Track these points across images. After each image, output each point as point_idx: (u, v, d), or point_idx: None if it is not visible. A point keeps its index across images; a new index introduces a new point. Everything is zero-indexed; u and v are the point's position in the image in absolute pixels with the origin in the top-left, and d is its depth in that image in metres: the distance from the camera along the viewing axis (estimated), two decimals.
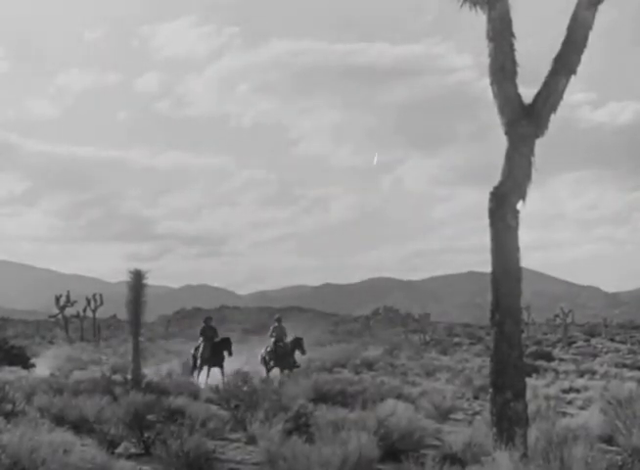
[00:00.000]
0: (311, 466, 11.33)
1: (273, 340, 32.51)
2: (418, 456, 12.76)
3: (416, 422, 15.58)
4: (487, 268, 13.20)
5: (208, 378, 28.94)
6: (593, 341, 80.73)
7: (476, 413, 21.52)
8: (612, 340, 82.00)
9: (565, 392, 28.29)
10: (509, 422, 12.58)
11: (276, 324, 33.23)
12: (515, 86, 13.16)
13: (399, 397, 20.64)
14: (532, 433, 13.25)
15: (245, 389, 18.54)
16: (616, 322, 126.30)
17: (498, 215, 13.01)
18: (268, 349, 32.46)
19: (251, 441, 15.44)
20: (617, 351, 64.97)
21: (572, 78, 13.16)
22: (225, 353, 30.23)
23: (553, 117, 13.25)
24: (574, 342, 78.10)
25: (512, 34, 13.18)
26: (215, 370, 29.92)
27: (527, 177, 13.09)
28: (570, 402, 25.24)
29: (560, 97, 13.15)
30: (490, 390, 13.06)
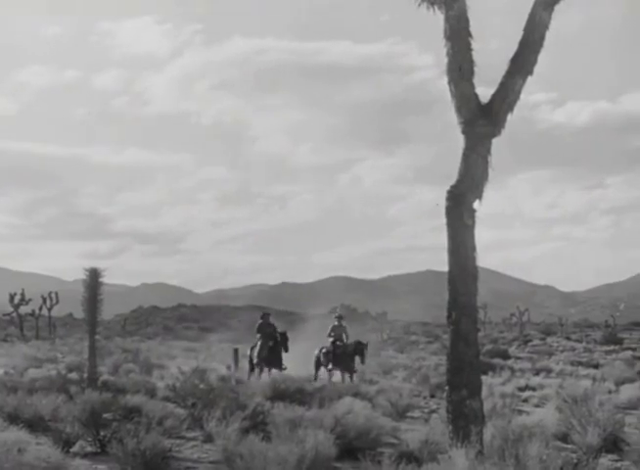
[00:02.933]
0: (268, 464, 11.32)
1: (331, 340, 29.99)
2: (375, 454, 12.80)
3: (373, 420, 15.61)
4: (445, 267, 13.27)
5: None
6: (549, 339, 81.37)
7: (432, 411, 21.61)
8: (567, 338, 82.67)
9: (521, 390, 28.50)
10: (465, 420, 12.66)
11: (336, 323, 30.52)
12: (472, 86, 13.22)
13: (357, 395, 20.67)
14: (488, 431, 13.34)
15: (202, 387, 18.47)
16: (571, 321, 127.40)
17: (455, 214, 13.08)
18: (324, 350, 29.94)
19: (208, 439, 15.40)
20: (573, 349, 65.54)
21: (532, 78, 13.26)
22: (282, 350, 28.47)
23: (512, 117, 13.35)
24: (530, 340, 78.74)
25: (469, 34, 13.23)
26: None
27: (484, 177, 13.17)
28: (525, 400, 25.42)
29: (517, 97, 13.24)
30: (447, 388, 13.13)
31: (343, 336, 29.93)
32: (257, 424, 15.54)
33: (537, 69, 13.23)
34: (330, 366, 29.43)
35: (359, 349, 29.27)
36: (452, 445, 12.20)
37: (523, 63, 13.13)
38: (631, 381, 31.52)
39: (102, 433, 14.83)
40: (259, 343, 28.84)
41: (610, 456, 14.89)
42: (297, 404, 17.81)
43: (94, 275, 23.32)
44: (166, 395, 20.02)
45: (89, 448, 14.78)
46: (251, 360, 29.23)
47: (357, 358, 29.28)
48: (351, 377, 29.20)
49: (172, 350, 50.21)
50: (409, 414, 20.84)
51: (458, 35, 13.16)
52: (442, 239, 13.25)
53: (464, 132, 13.24)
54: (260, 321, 29.63)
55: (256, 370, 28.76)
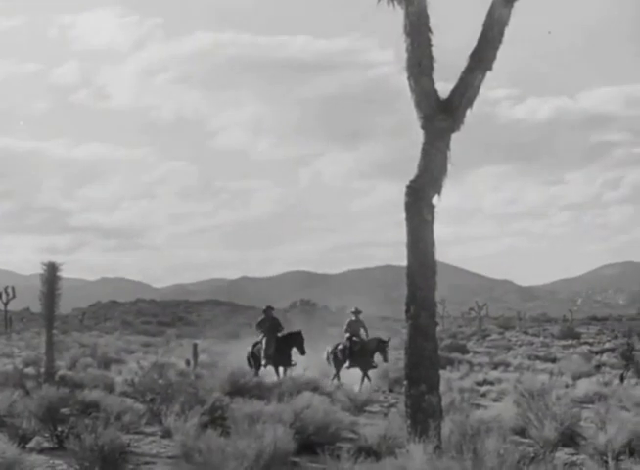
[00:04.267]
0: (226, 460, 11.29)
1: (348, 335, 28.16)
2: (333, 449, 12.82)
3: (332, 415, 15.63)
4: (404, 262, 13.30)
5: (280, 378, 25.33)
6: (507, 334, 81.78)
7: (391, 406, 21.67)
8: (525, 333, 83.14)
9: (479, 384, 28.64)
10: (423, 414, 12.70)
11: (353, 318, 28.58)
12: (431, 81, 13.26)
13: (316, 389, 20.69)
14: (446, 425, 13.40)
15: (160, 382, 18.40)
16: (529, 315, 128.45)
17: (414, 210, 13.11)
18: (340, 345, 28.13)
19: (167, 434, 15.35)
20: (531, 343, 65.94)
21: (492, 74, 13.33)
22: (293, 351, 26.56)
23: (472, 112, 13.40)
24: (489, 335, 79.09)
25: (429, 30, 13.27)
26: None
27: (443, 172, 13.22)
28: (483, 395, 25.57)
29: (476, 92, 13.29)
30: (405, 382, 13.17)
31: (362, 331, 28.37)
32: (216, 419, 15.52)
33: (498, 65, 13.30)
34: (347, 364, 27.77)
35: (380, 347, 27.73)
36: (410, 439, 12.24)
37: (482, 58, 13.18)
38: (588, 375, 31.80)
39: (59, 428, 14.73)
40: (264, 340, 27.06)
41: (566, 450, 15.02)
42: (256, 399, 17.80)
43: (52, 269, 23.17)
44: (125, 390, 19.95)
45: (46, 444, 14.68)
46: (254, 358, 27.41)
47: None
48: (367, 376, 27.54)
49: (131, 344, 49.87)
50: (368, 409, 20.89)
51: (418, 31, 13.18)
52: (402, 234, 13.28)
53: (423, 127, 13.28)
54: (263, 316, 27.85)
55: (262, 369, 26.93)
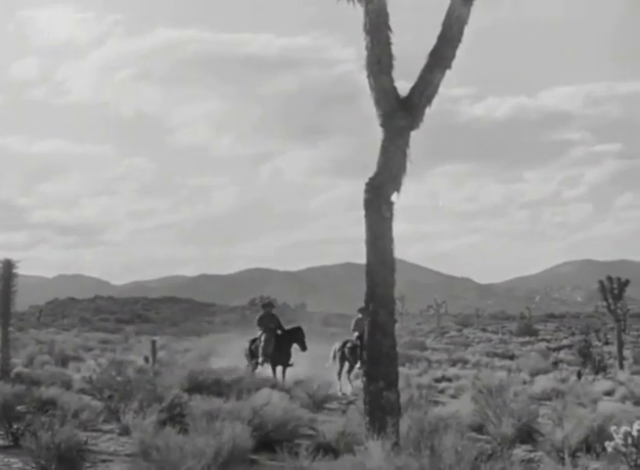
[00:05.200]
0: (185, 457, 11.25)
1: (356, 334, 26.54)
2: (292, 446, 12.82)
3: (291, 412, 15.62)
4: (363, 259, 13.33)
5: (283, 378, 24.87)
6: (465, 331, 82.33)
7: (350, 403, 21.69)
8: (483, 330, 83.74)
9: (437, 381, 28.82)
10: (382, 411, 12.74)
11: (359, 315, 26.45)
12: (391, 79, 13.28)
13: (275, 386, 20.68)
14: (405, 422, 13.44)
15: (118, 379, 18.31)
16: (487, 313, 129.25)
17: (373, 207, 13.14)
18: (349, 344, 26.91)
19: (125, 432, 15.25)
20: (489, 340, 66.43)
21: (453, 73, 13.38)
22: (293, 348, 25.60)
23: (432, 111, 13.45)
24: (447, 332, 79.61)
25: (389, 28, 13.28)
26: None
27: (402, 169, 13.25)
28: (442, 391, 25.69)
29: (435, 90, 13.34)
30: (364, 379, 13.21)
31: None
32: (174, 416, 15.45)
33: (459, 64, 13.36)
34: (359, 364, 25.75)
35: None
36: (369, 436, 12.26)
37: (441, 57, 13.23)
38: (545, 372, 32.10)
39: (15, 426, 14.57)
40: (263, 337, 25.94)
41: (524, 447, 15.10)
42: (214, 396, 17.75)
43: (8, 266, 22.97)
44: (82, 387, 19.80)
45: (1, 442, 14.53)
46: (251, 354, 26.43)
47: None
48: None
49: (89, 342, 49.58)
50: (327, 406, 20.91)
51: (377, 29, 13.20)
52: (361, 231, 13.30)
53: (383, 125, 13.30)
54: (262, 313, 26.65)
55: (260, 368, 25.84)
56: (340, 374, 26.67)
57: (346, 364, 26.95)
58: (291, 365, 25.81)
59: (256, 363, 26.01)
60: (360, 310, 25.94)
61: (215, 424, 12.93)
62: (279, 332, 26.19)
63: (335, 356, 27.42)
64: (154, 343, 31.36)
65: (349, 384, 26.32)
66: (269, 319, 26.33)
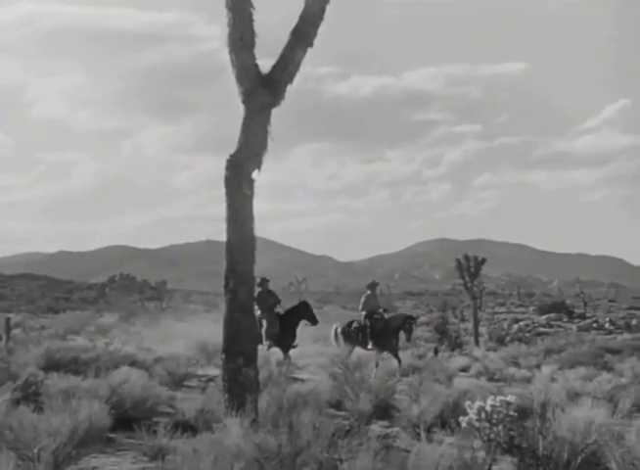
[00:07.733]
0: (39, 436, 11.05)
1: (365, 313, 25.14)
2: (150, 424, 12.73)
3: (150, 389, 15.50)
4: (224, 237, 13.32)
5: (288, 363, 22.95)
6: (326, 308, 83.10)
7: (210, 380, 21.64)
8: (344, 307, 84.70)
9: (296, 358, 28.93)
10: (240, 388, 12.78)
11: (369, 292, 25.43)
12: (253, 56, 13.26)
13: (134, 364, 20.46)
14: (264, 399, 13.50)
15: None
16: (348, 290, 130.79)
17: (234, 184, 13.13)
18: (355, 324, 25.37)
19: None
20: (349, 318, 67.15)
21: (318, 52, 13.46)
22: (299, 327, 23.95)
23: (297, 89, 13.53)
24: None
25: (251, 5, 13.27)
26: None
27: (264, 146, 13.27)
28: (301, 368, 25.84)
29: (297, 68, 13.39)
30: (223, 356, 13.22)
31: (379, 308, 25.44)
32: (29, 395, 15.17)
33: (323, 42, 13.44)
34: (370, 345, 24.77)
35: (408, 323, 24.85)
36: (227, 413, 12.29)
37: (303, 35, 13.27)
38: (404, 348, 32.52)
39: None
40: (265, 317, 23.90)
41: (381, 423, 15.33)
42: (72, 374, 17.49)
43: None
44: None
45: None
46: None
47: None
48: (398, 358, 24.66)
49: None
50: (186, 383, 20.82)
51: (240, 6, 13.16)
52: (223, 209, 13.28)
53: (244, 102, 13.29)
54: (259, 289, 23.35)
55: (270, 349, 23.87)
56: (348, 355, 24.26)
57: (351, 346, 25.35)
58: (295, 346, 24.48)
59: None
60: (369, 286, 26.16)
61: (72, 402, 12.73)
62: (281, 311, 24.49)
63: (337, 338, 26.00)
64: (8, 320, 30.66)
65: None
66: (268, 296, 24.40)
